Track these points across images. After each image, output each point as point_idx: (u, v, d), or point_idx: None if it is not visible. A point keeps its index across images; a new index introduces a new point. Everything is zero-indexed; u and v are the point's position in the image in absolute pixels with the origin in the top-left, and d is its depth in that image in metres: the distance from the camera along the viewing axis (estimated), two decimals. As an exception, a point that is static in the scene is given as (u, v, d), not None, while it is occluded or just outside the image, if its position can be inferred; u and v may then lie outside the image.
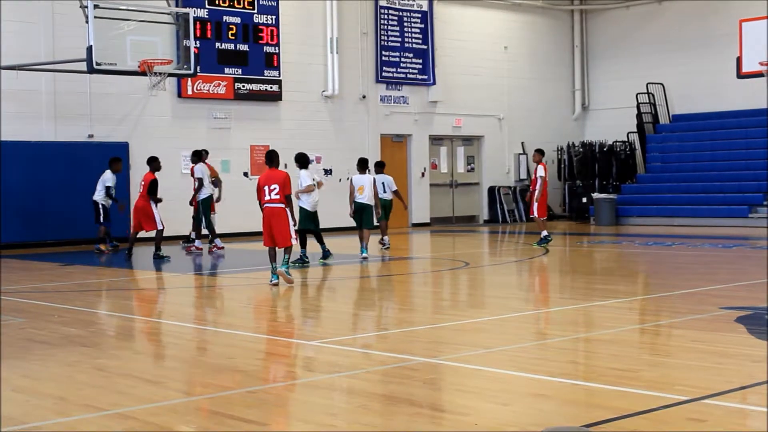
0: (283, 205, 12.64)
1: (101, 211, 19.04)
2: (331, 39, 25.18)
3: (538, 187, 18.46)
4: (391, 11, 26.61)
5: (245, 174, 23.49)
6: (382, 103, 26.58)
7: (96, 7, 17.89)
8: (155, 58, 18.87)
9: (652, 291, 12.57)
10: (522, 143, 29.70)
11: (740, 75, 23.02)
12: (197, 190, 18.87)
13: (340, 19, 25.38)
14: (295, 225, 13.02)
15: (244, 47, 23.67)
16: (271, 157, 13.01)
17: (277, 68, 24.18)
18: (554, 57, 30.94)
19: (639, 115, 29.12)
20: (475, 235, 24.82)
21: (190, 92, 22.81)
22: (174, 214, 20.46)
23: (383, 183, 18.59)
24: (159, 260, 17.23)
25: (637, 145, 29.57)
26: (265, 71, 23.99)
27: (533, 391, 6.40)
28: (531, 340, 8.61)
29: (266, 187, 12.68)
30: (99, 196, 19.00)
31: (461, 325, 9.41)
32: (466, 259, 16.93)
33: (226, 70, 23.37)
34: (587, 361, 7.77)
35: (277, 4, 24.32)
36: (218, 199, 19.88)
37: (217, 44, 23.28)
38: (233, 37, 23.52)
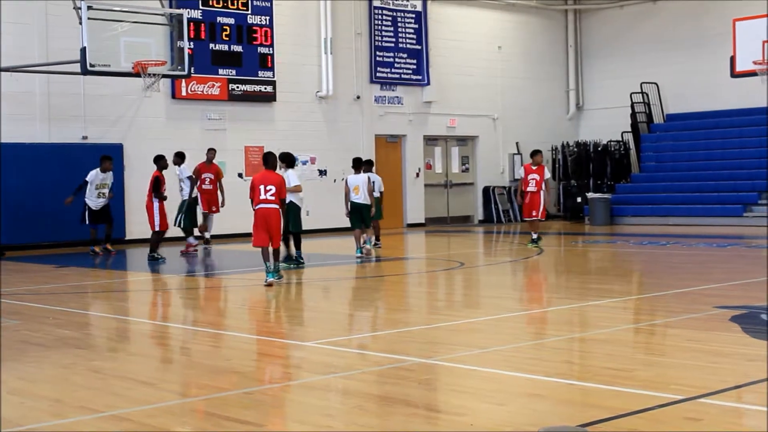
0: (277, 206, 12.79)
1: (86, 212, 18.88)
2: (325, 39, 25.18)
3: (543, 187, 18.39)
4: (385, 11, 26.61)
5: (239, 175, 23.47)
6: (377, 104, 26.59)
7: (90, 8, 17.87)
8: (149, 60, 18.85)
9: (647, 290, 12.59)
10: (516, 143, 29.72)
11: (734, 74, 23.07)
12: (192, 189, 18.83)
13: (334, 20, 25.38)
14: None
15: (238, 48, 23.66)
16: (268, 159, 13.18)
17: (271, 69, 24.18)
18: (548, 57, 30.97)
19: (633, 115, 29.17)
20: (469, 235, 24.82)
21: (184, 93, 22.79)
22: (170, 215, 20.41)
23: (374, 182, 18.58)
24: (153, 261, 17.13)
25: (632, 145, 29.61)
26: (259, 72, 23.98)
27: (529, 391, 6.40)
28: (526, 340, 8.62)
29: (262, 187, 12.78)
30: (87, 196, 18.88)
31: (456, 326, 9.41)
32: (461, 259, 16.93)
33: (220, 71, 23.36)
34: (582, 360, 7.78)
35: (271, 4, 24.31)
36: (223, 203, 19.99)
37: (211, 45, 23.27)
38: (227, 38, 23.51)
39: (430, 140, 28.17)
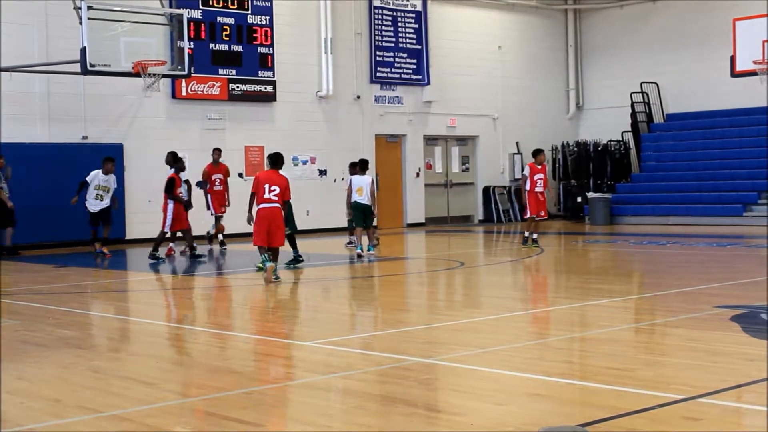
0: (279, 206, 12.92)
1: (89, 214, 18.53)
2: (325, 39, 25.18)
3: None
4: (385, 11, 26.61)
5: (240, 175, 23.46)
6: (377, 104, 26.59)
7: (90, 8, 17.87)
8: (149, 60, 18.85)
9: (647, 290, 12.58)
10: (516, 143, 29.72)
11: (734, 74, 23.07)
12: (190, 191, 18.64)
13: (334, 20, 25.38)
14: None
15: (238, 48, 23.66)
16: (275, 160, 13.41)
17: (272, 69, 24.18)
18: (548, 56, 30.97)
19: (633, 114, 29.16)
20: (470, 235, 24.82)
21: (184, 93, 22.79)
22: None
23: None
24: (154, 261, 17.09)
25: (632, 145, 29.61)
26: (260, 72, 23.98)
27: (529, 391, 6.40)
28: (526, 339, 8.61)
29: (266, 186, 12.98)
30: (86, 197, 18.47)
31: (457, 325, 9.41)
32: (462, 259, 16.93)
33: (221, 71, 23.36)
34: (582, 360, 7.77)
35: (271, 4, 24.31)
36: (228, 202, 19.93)
37: (211, 45, 23.27)
38: (227, 38, 23.51)
39: (430, 140, 28.17)
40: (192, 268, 16.26)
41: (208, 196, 19.81)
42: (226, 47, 23.49)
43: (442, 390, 6.72)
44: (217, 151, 20.17)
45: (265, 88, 24.13)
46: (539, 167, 18.16)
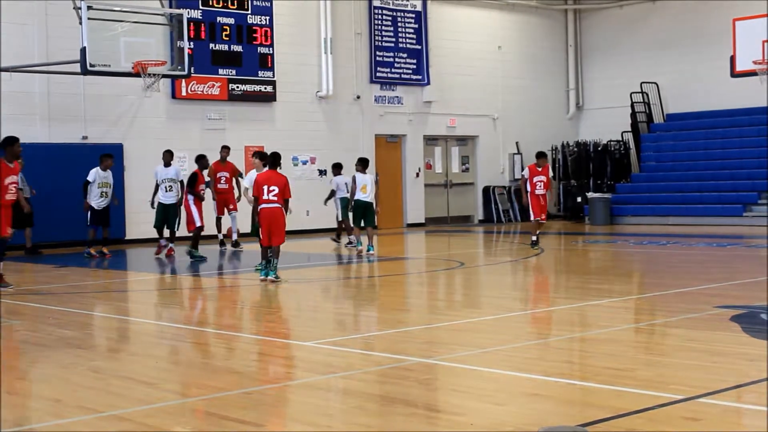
0: (280, 206, 12.97)
1: (89, 212, 18.34)
2: (325, 39, 25.18)
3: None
4: (385, 11, 26.61)
5: (240, 175, 23.42)
6: (377, 104, 26.58)
7: (89, 8, 17.87)
8: (149, 60, 18.84)
9: (647, 290, 12.59)
10: (516, 143, 29.71)
11: (734, 74, 23.07)
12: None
13: (334, 20, 25.38)
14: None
15: (238, 48, 23.66)
16: (273, 160, 13.44)
17: (271, 69, 24.18)
18: (548, 56, 30.97)
19: (633, 115, 29.16)
20: (470, 235, 24.82)
21: (184, 93, 22.79)
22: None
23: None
24: (194, 260, 16.78)
25: (632, 145, 29.60)
26: (259, 72, 23.98)
27: (529, 391, 6.40)
28: (526, 339, 8.61)
29: (265, 187, 13.05)
30: (91, 197, 18.28)
31: (457, 325, 9.41)
32: (462, 259, 16.93)
33: (220, 71, 23.36)
34: (582, 360, 7.78)
35: (271, 4, 24.31)
36: (239, 198, 19.56)
37: (211, 45, 23.27)
38: (227, 38, 23.51)
39: (430, 140, 28.16)
40: (193, 267, 16.25)
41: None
42: (226, 47, 23.49)
43: (442, 390, 6.72)
44: (225, 149, 19.96)
45: (265, 88, 24.13)
46: (539, 169, 18.04)
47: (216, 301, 12.59)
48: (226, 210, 19.61)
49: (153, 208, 18.42)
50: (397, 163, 27.30)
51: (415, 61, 27.18)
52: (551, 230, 24.07)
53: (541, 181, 17.93)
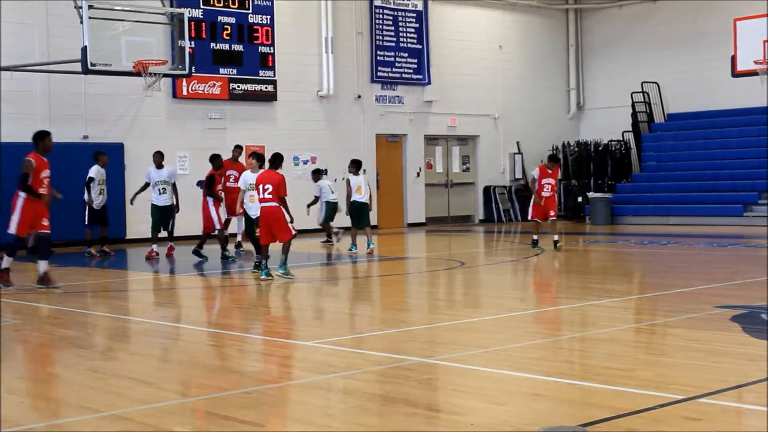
0: (276, 204, 13.03)
1: (86, 212, 18.27)
2: (325, 39, 25.18)
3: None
4: (385, 11, 26.60)
5: (240, 174, 23.45)
6: (377, 103, 26.58)
7: (90, 7, 17.85)
8: (150, 59, 18.83)
9: (648, 290, 12.58)
10: (517, 143, 29.71)
11: (735, 74, 23.06)
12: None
13: (334, 19, 25.38)
14: (292, 221, 13.24)
15: (238, 47, 23.66)
16: (275, 159, 13.71)
17: (272, 68, 24.17)
18: (549, 56, 30.96)
19: (634, 114, 29.16)
20: (470, 234, 24.82)
21: (185, 93, 22.79)
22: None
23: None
24: (225, 261, 16.62)
25: (632, 144, 29.60)
26: (260, 71, 23.98)
27: (529, 391, 6.40)
28: (527, 339, 8.61)
29: (261, 186, 13.27)
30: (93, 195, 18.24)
31: (457, 325, 9.41)
32: (462, 258, 16.93)
33: (221, 70, 23.35)
34: (583, 360, 7.77)
35: (272, 4, 24.31)
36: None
37: (212, 44, 23.27)
38: (228, 38, 23.51)
39: (431, 140, 28.16)
40: (194, 267, 16.24)
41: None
42: (226, 47, 23.49)
43: (442, 390, 6.72)
44: (237, 149, 19.67)
45: (266, 88, 24.13)
46: (549, 172, 17.96)
47: (216, 301, 12.59)
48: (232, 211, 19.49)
49: (132, 204, 19.05)
50: (398, 162, 27.29)
51: (415, 60, 27.17)
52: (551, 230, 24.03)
53: (549, 184, 17.93)
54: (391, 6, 26.71)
